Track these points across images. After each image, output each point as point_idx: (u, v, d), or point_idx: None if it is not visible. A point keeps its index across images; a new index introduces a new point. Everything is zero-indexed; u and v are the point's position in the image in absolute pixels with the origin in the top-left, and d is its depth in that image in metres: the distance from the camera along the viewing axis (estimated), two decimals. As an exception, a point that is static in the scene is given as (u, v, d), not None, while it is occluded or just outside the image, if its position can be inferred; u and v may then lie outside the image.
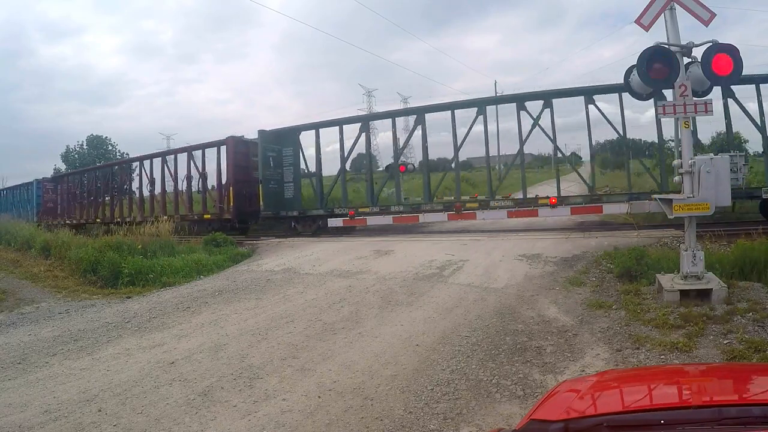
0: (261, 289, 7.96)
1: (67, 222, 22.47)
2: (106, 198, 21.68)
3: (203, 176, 17.27)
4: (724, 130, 11.48)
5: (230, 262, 11.03)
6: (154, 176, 18.89)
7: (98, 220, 20.89)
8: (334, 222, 14.34)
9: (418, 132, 14.06)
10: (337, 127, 15.03)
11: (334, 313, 6.29)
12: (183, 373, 4.70)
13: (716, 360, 4.18)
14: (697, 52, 5.58)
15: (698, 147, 10.81)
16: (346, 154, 14.94)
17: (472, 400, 3.82)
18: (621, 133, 12.07)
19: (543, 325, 5.36)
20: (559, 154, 13.82)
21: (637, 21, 5.85)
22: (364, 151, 15.44)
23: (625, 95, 11.95)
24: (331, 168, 16.72)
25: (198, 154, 17.44)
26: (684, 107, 5.54)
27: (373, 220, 13.64)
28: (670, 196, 6.03)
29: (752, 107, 11.30)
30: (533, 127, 12.54)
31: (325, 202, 15.06)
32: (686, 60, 5.70)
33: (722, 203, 5.59)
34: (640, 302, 5.78)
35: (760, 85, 10.84)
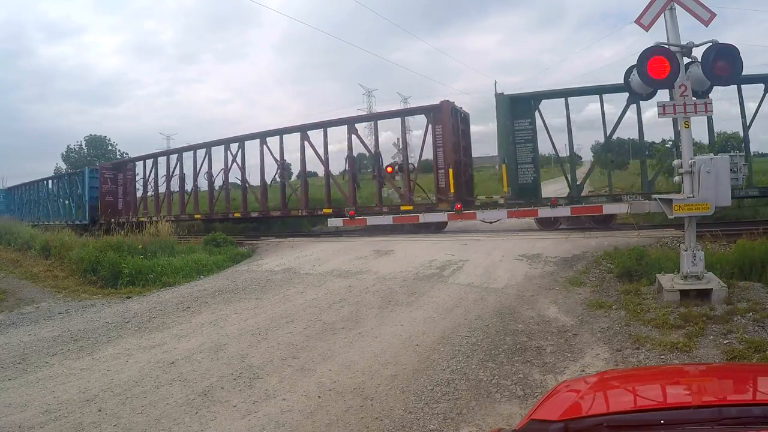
0: (261, 289, 7.96)
1: (142, 219, 17.90)
2: (200, 188, 17.74)
3: (377, 156, 14.03)
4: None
5: (230, 262, 11.04)
6: (284, 158, 15.59)
7: (197, 216, 17.36)
8: (333, 222, 14.32)
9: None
10: (592, 97, 12.34)
11: (334, 313, 6.29)
12: (183, 373, 4.70)
13: (716, 360, 4.18)
14: (697, 52, 5.59)
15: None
16: (609, 132, 12.07)
17: (472, 400, 3.83)
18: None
19: (543, 325, 5.36)
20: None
21: (637, 21, 5.86)
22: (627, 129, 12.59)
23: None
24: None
25: (364, 127, 14.59)
26: (684, 107, 5.54)
27: (372, 221, 13.63)
28: (670, 195, 6.03)
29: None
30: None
31: (579, 191, 12.42)
32: (686, 60, 5.70)
33: (722, 203, 5.60)
34: (640, 302, 5.78)
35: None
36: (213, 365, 4.85)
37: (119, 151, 42.81)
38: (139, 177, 20.04)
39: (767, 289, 5.76)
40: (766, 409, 1.22)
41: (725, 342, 4.50)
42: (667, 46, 5.57)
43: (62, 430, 3.77)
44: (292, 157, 16.21)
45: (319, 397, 4.02)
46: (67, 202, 22.71)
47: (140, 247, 11.14)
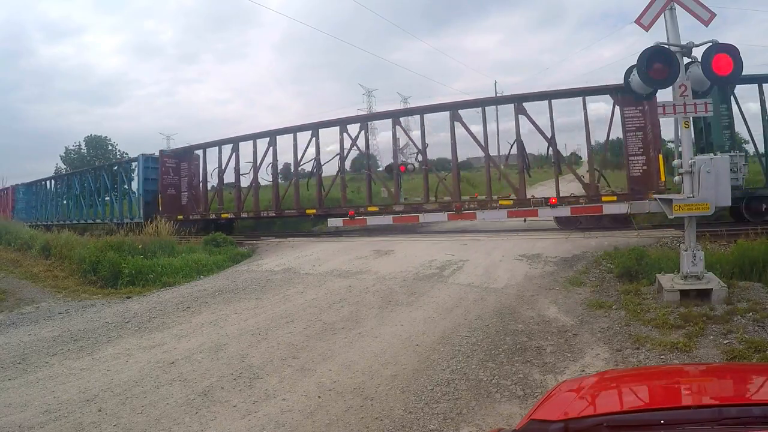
0: (261, 289, 7.97)
1: (226, 216, 15.99)
2: (323, 173, 14.93)
3: (553, 140, 11.74)
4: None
5: (230, 262, 11.05)
6: (426, 142, 13.24)
7: (310, 212, 14.65)
8: (333, 222, 14.31)
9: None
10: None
11: (334, 313, 6.29)
12: (183, 373, 4.70)
13: (716, 360, 4.18)
14: (697, 52, 5.59)
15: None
16: None
17: (472, 400, 3.83)
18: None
19: (543, 325, 5.36)
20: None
21: (637, 21, 5.86)
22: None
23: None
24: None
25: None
26: (684, 107, 5.54)
27: (372, 220, 13.62)
28: (670, 196, 6.03)
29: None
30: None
31: None
32: (686, 60, 5.70)
33: (722, 203, 5.60)
34: (640, 302, 5.78)
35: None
36: (213, 365, 4.85)
37: (119, 151, 42.71)
38: (214, 167, 17.08)
39: (767, 289, 5.76)
40: (766, 409, 1.22)
41: (725, 342, 4.50)
42: (667, 46, 5.57)
43: (62, 430, 3.77)
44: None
45: (319, 397, 4.02)
46: (109, 197, 19.71)
47: (140, 247, 11.15)
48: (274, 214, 15.49)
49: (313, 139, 14.92)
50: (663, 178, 10.82)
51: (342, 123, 14.64)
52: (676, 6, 5.72)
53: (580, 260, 8.10)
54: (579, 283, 6.86)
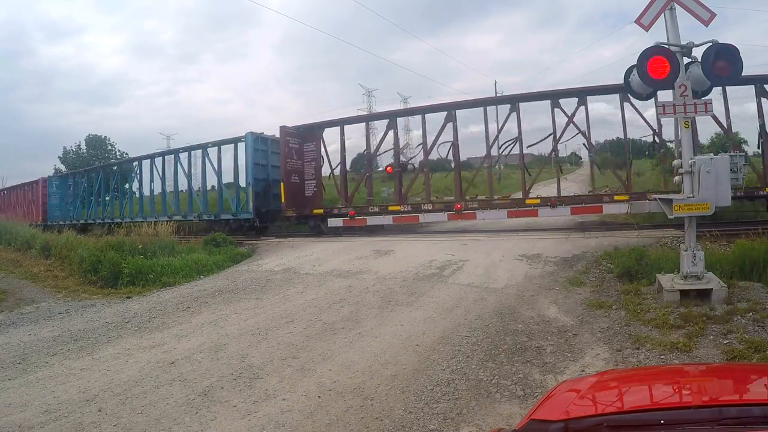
0: (261, 289, 7.97)
1: (395, 208, 12.95)
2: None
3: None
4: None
5: (230, 262, 11.05)
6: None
7: (534, 200, 11.90)
8: (333, 222, 14.30)
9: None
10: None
11: (334, 313, 6.29)
12: (183, 373, 4.70)
13: (716, 360, 4.18)
14: (697, 52, 5.59)
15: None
16: None
17: (472, 400, 3.82)
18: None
19: (543, 325, 5.36)
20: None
21: (637, 21, 5.86)
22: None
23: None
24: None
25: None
26: (684, 107, 5.54)
27: (372, 220, 13.62)
28: (670, 196, 6.03)
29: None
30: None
31: None
32: (686, 60, 5.70)
33: (722, 203, 5.59)
34: (640, 302, 5.78)
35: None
36: (213, 365, 4.85)
37: (119, 151, 42.67)
38: (358, 148, 14.83)
39: (767, 289, 5.76)
40: (766, 409, 1.21)
41: (725, 342, 4.50)
42: (667, 46, 5.57)
43: (62, 430, 3.77)
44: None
45: (319, 397, 4.02)
46: (188, 189, 15.90)
47: (140, 247, 11.15)
48: (490, 203, 12.54)
49: (514, 112, 12.32)
50: None
51: (552, 97, 12.24)
52: (676, 6, 5.72)
53: (580, 260, 8.10)
54: (579, 283, 6.87)
